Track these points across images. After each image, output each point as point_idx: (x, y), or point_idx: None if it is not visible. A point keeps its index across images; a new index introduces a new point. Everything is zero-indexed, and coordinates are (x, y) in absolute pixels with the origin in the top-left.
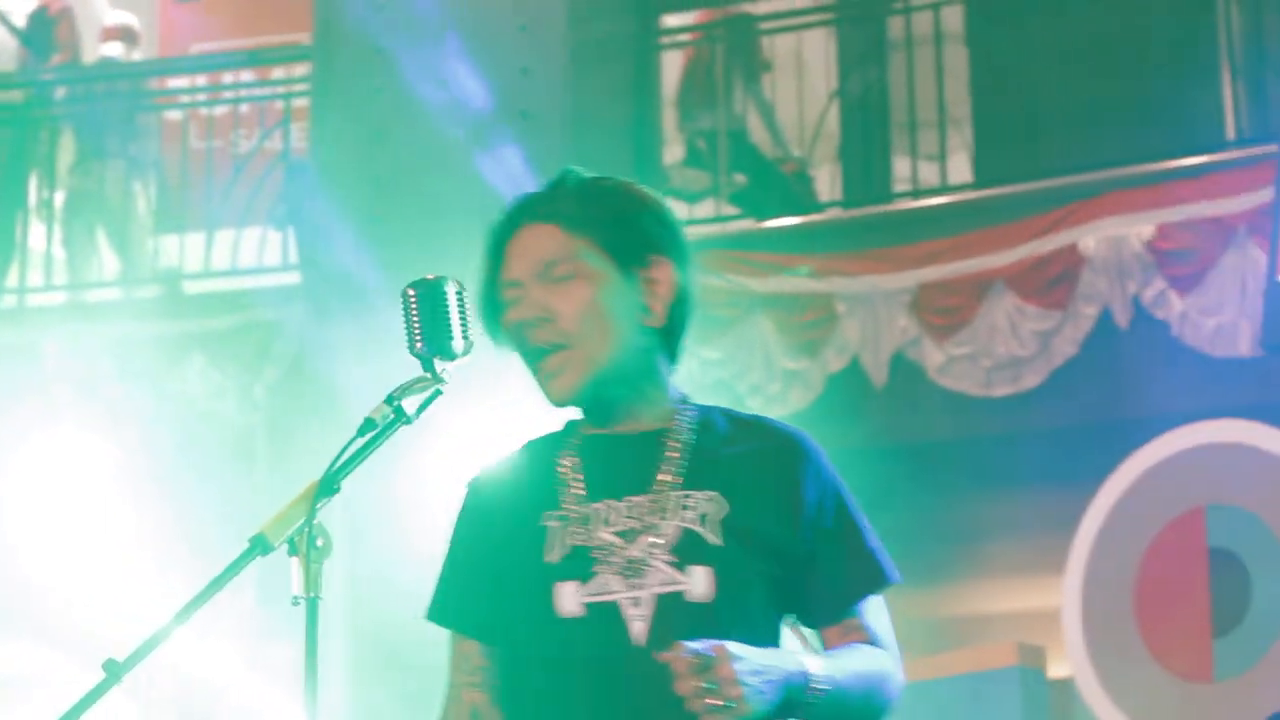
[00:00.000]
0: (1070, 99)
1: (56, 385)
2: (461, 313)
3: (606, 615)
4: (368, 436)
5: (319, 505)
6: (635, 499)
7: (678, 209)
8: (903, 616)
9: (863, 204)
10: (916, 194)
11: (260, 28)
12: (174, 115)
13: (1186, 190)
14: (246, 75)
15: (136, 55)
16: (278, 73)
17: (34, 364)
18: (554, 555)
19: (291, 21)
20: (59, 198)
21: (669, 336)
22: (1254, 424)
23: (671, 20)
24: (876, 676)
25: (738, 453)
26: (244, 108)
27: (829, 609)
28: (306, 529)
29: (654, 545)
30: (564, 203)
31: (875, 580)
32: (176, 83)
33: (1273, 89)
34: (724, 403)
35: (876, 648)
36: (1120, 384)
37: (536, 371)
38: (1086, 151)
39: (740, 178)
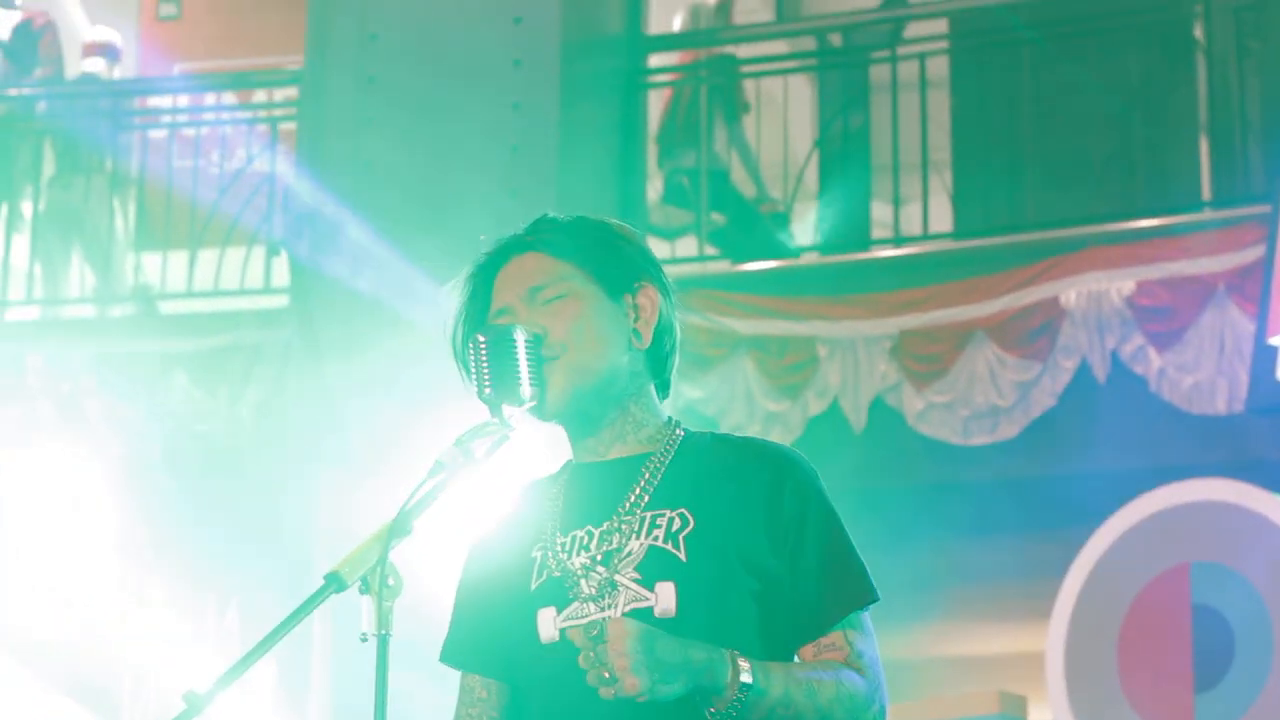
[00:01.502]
0: (1053, 152)
1: (39, 400)
2: (530, 361)
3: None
4: (438, 478)
5: (392, 545)
6: (609, 522)
7: (658, 247)
8: (883, 660)
9: (841, 250)
10: (897, 241)
11: (242, 50)
12: (158, 133)
13: (1167, 248)
14: (229, 97)
15: (118, 73)
16: (259, 95)
17: (16, 377)
18: (535, 584)
19: (274, 45)
20: (39, 210)
21: (657, 364)
22: (1240, 483)
23: (658, 60)
24: (836, 695)
25: (715, 469)
26: (229, 128)
27: (807, 625)
28: (379, 568)
29: (623, 565)
30: (549, 234)
31: (855, 596)
32: (159, 101)
33: (1251, 152)
34: None
35: (849, 668)
36: (1097, 437)
37: None
38: (1068, 205)
39: (717, 217)
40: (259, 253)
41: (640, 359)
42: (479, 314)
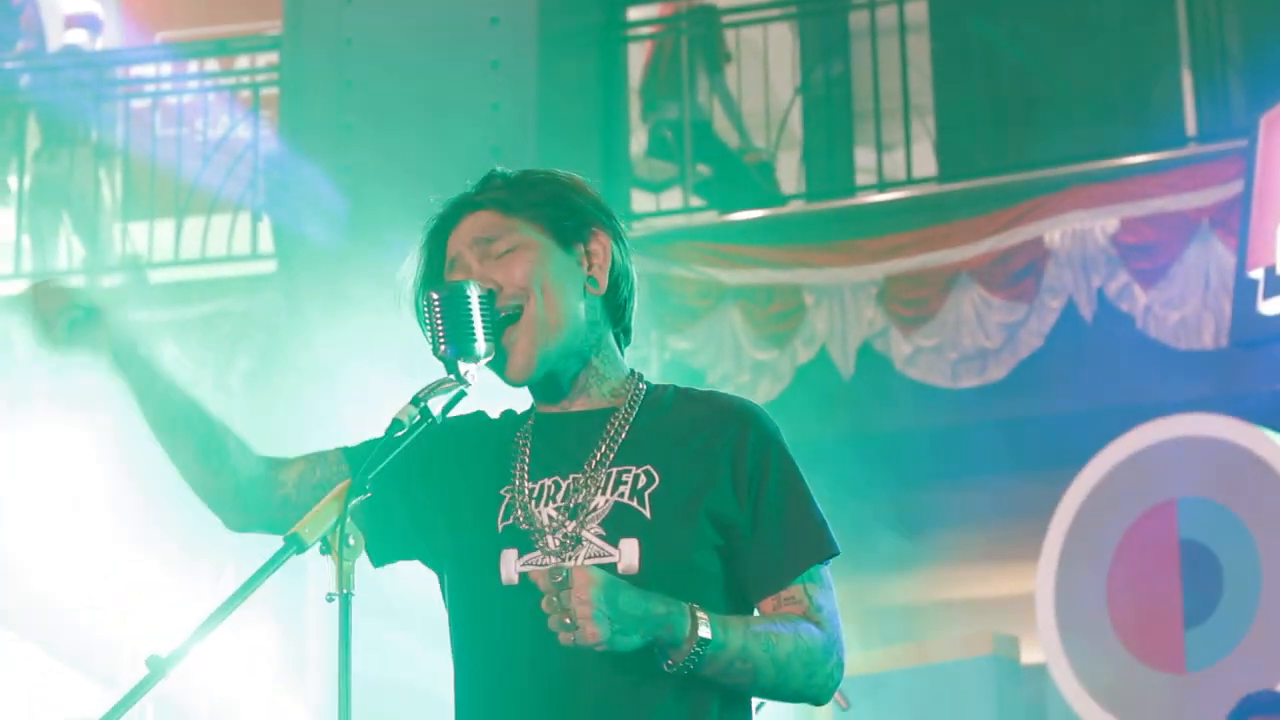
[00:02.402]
0: (1034, 93)
1: (29, 371)
2: (484, 315)
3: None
4: (395, 436)
5: (351, 504)
6: (576, 476)
7: (643, 200)
8: (873, 604)
9: (826, 197)
10: (881, 187)
11: (224, 16)
12: (141, 102)
13: (1150, 185)
14: (212, 64)
15: (100, 43)
16: (242, 61)
17: (5, 351)
18: (501, 525)
19: (255, 10)
20: (25, 184)
21: (615, 311)
22: (1225, 418)
23: (637, 14)
24: (794, 649)
25: (678, 424)
26: (211, 95)
27: (767, 579)
28: (339, 528)
29: (589, 521)
30: (498, 190)
31: (814, 551)
32: (142, 70)
33: (1233, 86)
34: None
35: (808, 621)
36: (1085, 376)
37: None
38: (1050, 146)
39: (703, 168)
40: (245, 219)
41: (598, 307)
42: (434, 273)
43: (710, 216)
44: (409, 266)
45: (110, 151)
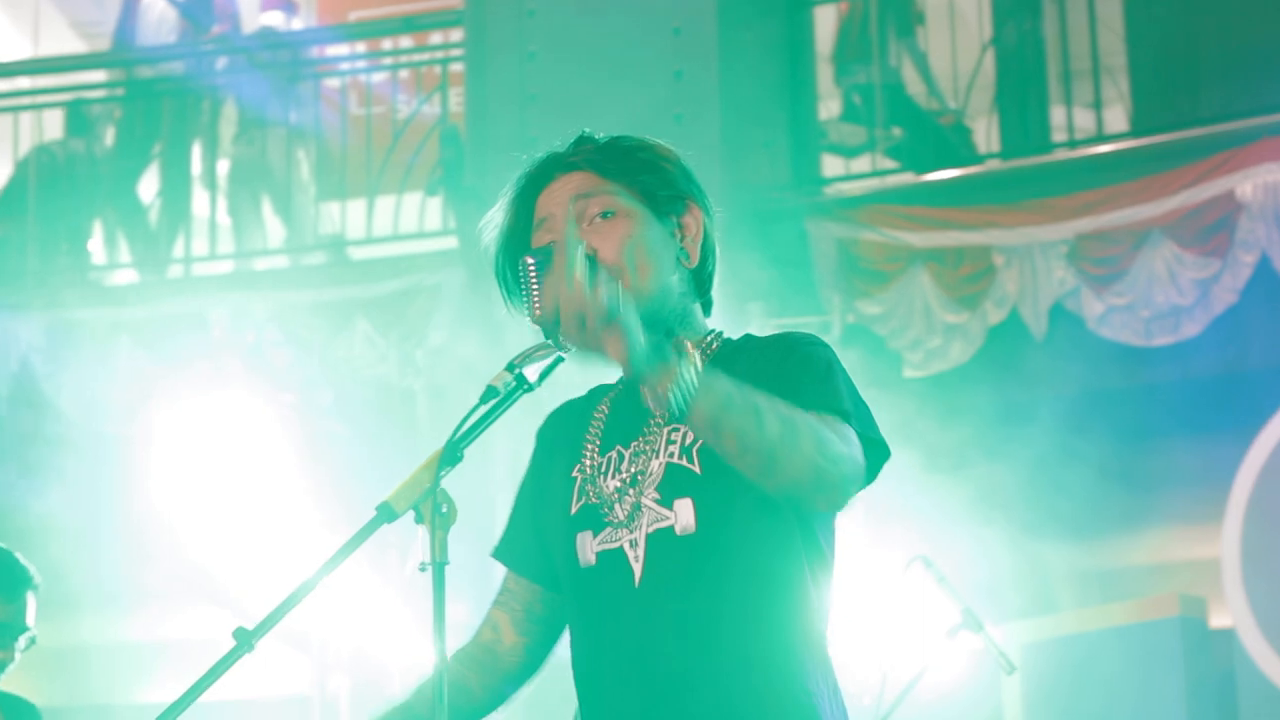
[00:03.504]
0: (1226, 46)
1: (223, 352)
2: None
3: (614, 562)
4: (490, 404)
5: (443, 473)
6: (636, 442)
7: (834, 165)
8: (1065, 568)
9: (1021, 154)
10: (1074, 144)
11: None
12: (333, 82)
13: None
14: (406, 41)
15: (296, 24)
16: (435, 38)
17: (201, 332)
18: (574, 507)
19: None
20: (222, 167)
21: (701, 283)
22: None
23: None
24: (804, 418)
25: (730, 373)
26: (403, 73)
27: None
28: (431, 497)
29: (647, 486)
30: (594, 153)
31: (831, 404)
32: (335, 50)
33: None
34: (883, 358)
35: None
36: None
37: None
38: (1243, 98)
39: (897, 131)
40: (439, 195)
41: (687, 278)
42: (521, 235)
43: (903, 179)
44: (491, 226)
45: (306, 132)
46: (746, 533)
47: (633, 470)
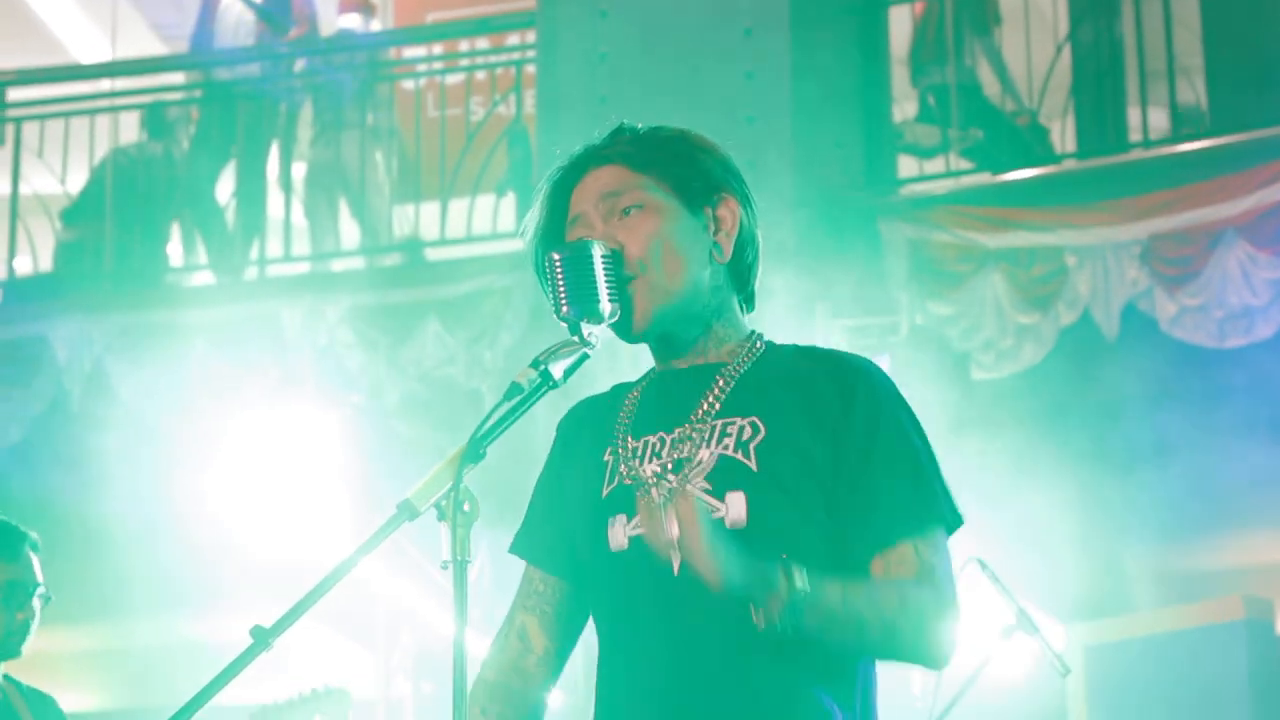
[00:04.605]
0: None
1: (295, 355)
2: (609, 276)
3: (648, 547)
4: (514, 401)
5: (465, 470)
6: (681, 429)
7: (909, 166)
8: (1133, 570)
9: (1096, 154)
10: (1149, 144)
11: None
12: (409, 84)
13: None
14: (482, 43)
15: (374, 26)
16: (512, 39)
17: (274, 333)
18: (606, 490)
19: None
20: (299, 169)
21: (740, 277)
22: None
23: None
24: (902, 606)
25: (788, 378)
26: (478, 75)
27: (874, 534)
28: (453, 494)
29: (694, 474)
30: (626, 146)
31: (928, 509)
32: (412, 52)
33: None
34: (952, 360)
35: (920, 584)
36: None
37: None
38: None
39: (975, 132)
40: (510, 197)
41: (722, 273)
42: (555, 229)
43: (978, 179)
44: (530, 221)
45: (383, 134)
46: (796, 535)
47: (675, 456)
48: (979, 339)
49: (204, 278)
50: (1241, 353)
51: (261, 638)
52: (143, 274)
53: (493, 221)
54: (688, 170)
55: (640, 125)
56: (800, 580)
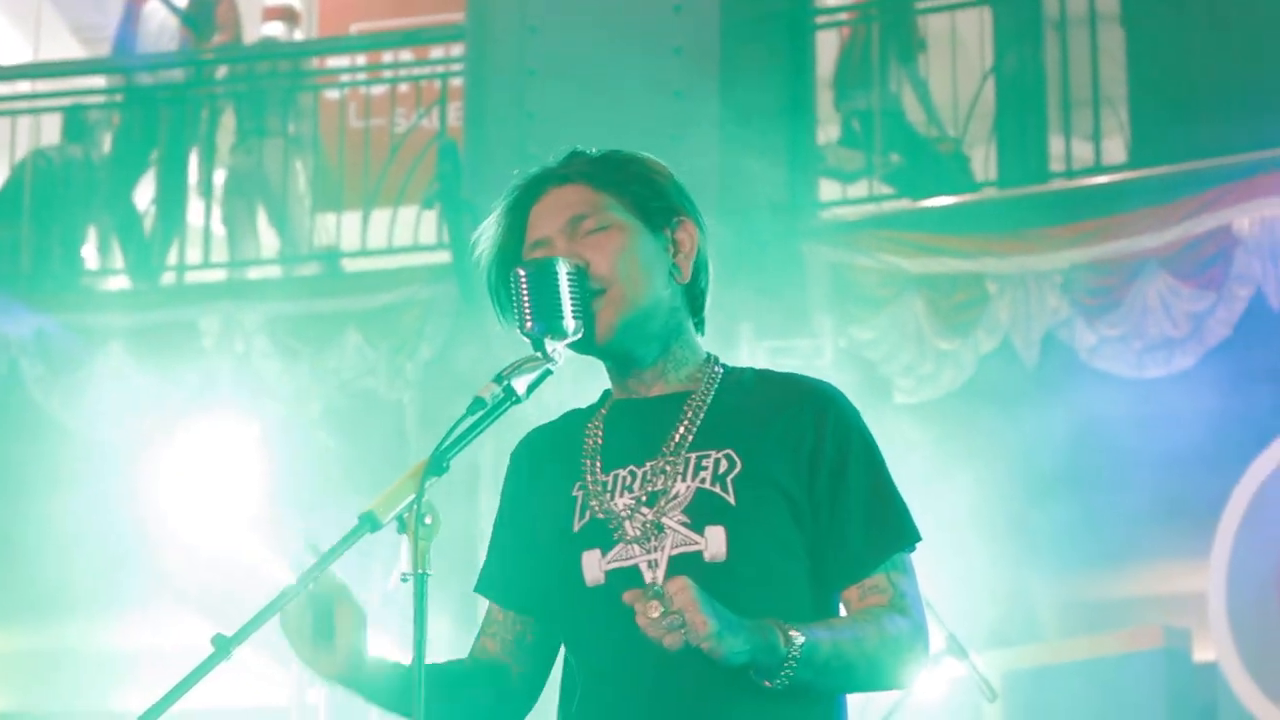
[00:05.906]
0: (1225, 81)
1: (212, 361)
2: (572, 292)
3: (628, 581)
4: (476, 416)
5: (427, 484)
6: (653, 462)
7: (831, 189)
8: (1051, 597)
9: (1018, 184)
10: (1071, 174)
11: (419, 7)
12: (332, 94)
13: None
14: (406, 55)
15: (297, 35)
16: (437, 52)
17: (192, 340)
18: (578, 525)
19: (450, 1)
20: (219, 176)
21: (694, 301)
22: None
23: (828, 0)
24: (883, 642)
25: (758, 407)
26: (402, 87)
27: (850, 566)
28: (415, 507)
29: (670, 508)
30: (586, 166)
31: (898, 537)
32: (336, 62)
33: None
34: (873, 383)
35: (894, 612)
36: (1273, 366)
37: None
38: (1242, 133)
39: (896, 157)
40: (433, 209)
41: (679, 294)
42: (514, 248)
43: (900, 205)
44: (484, 240)
45: (305, 143)
46: (774, 569)
47: (649, 489)
48: (899, 363)
49: (121, 282)
50: (1160, 383)
51: (223, 646)
52: (59, 276)
53: (414, 233)
54: (648, 191)
55: (593, 149)
56: (797, 639)
